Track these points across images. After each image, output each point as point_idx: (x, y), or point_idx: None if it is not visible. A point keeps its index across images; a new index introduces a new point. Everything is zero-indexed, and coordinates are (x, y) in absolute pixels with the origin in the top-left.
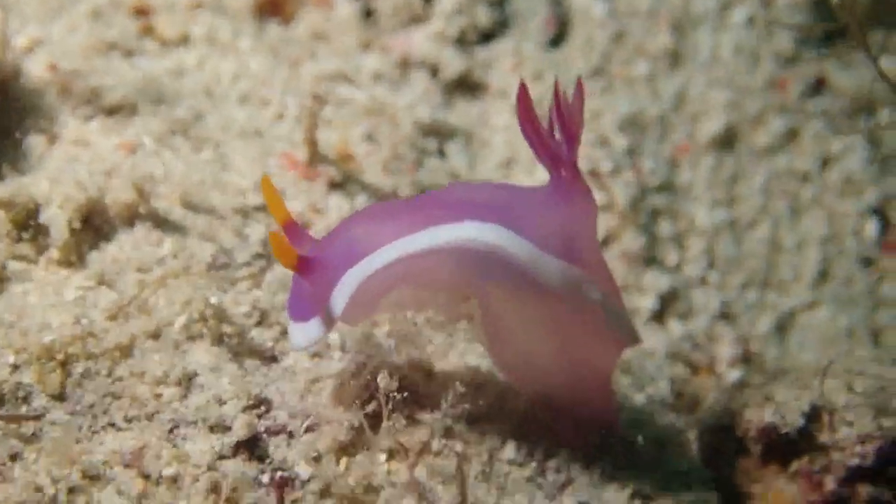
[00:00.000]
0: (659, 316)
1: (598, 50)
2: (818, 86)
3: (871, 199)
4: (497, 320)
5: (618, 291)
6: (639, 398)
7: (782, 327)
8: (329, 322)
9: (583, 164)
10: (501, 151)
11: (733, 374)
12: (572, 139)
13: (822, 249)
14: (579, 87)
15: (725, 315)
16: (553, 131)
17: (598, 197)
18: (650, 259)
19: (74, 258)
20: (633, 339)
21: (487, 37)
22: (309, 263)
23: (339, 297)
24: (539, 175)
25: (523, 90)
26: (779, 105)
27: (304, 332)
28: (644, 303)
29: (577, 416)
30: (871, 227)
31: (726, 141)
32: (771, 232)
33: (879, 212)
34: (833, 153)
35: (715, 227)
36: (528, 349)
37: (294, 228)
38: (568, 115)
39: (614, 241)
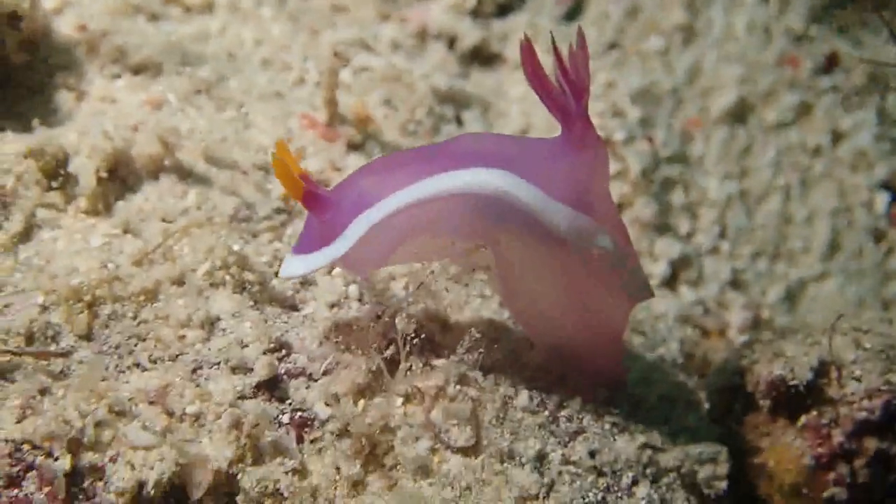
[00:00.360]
0: (670, 282)
1: (612, 24)
2: (830, 62)
3: (882, 173)
4: (509, 268)
5: (630, 243)
6: (650, 357)
7: (792, 296)
8: (326, 259)
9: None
10: (518, 120)
11: (744, 339)
12: (580, 90)
13: (831, 222)
14: (581, 38)
15: (736, 283)
16: (562, 87)
17: (612, 165)
18: (662, 227)
19: (101, 207)
20: (645, 292)
21: (504, 9)
22: (317, 198)
23: (346, 240)
24: None
25: (528, 46)
26: (790, 81)
27: (298, 262)
28: (656, 269)
29: (587, 369)
30: (881, 201)
31: (738, 115)
32: (781, 204)
33: (889, 186)
34: (844, 129)
35: (726, 199)
36: (540, 299)
37: (307, 180)
38: (573, 67)
39: (627, 208)
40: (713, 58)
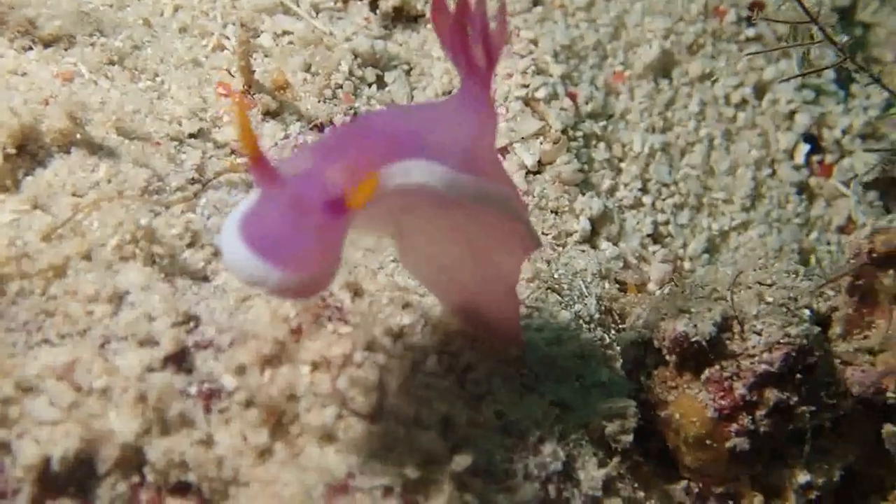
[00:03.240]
0: (590, 238)
1: None
2: (753, 9)
3: (804, 122)
4: (410, 237)
5: (518, 195)
6: (565, 315)
7: (714, 247)
8: None
9: (518, 92)
10: (441, 81)
11: (660, 293)
12: (493, 56)
13: (754, 172)
14: (502, 6)
15: (657, 236)
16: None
17: (533, 123)
18: (584, 183)
19: (10, 183)
20: (537, 241)
21: None
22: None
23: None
24: None
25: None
26: (714, 31)
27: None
28: (576, 225)
29: (492, 326)
30: (803, 151)
31: (662, 68)
32: (705, 156)
33: (811, 136)
34: (767, 79)
35: (649, 152)
36: (442, 261)
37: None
38: (492, 31)
39: (547, 166)
40: (638, 10)
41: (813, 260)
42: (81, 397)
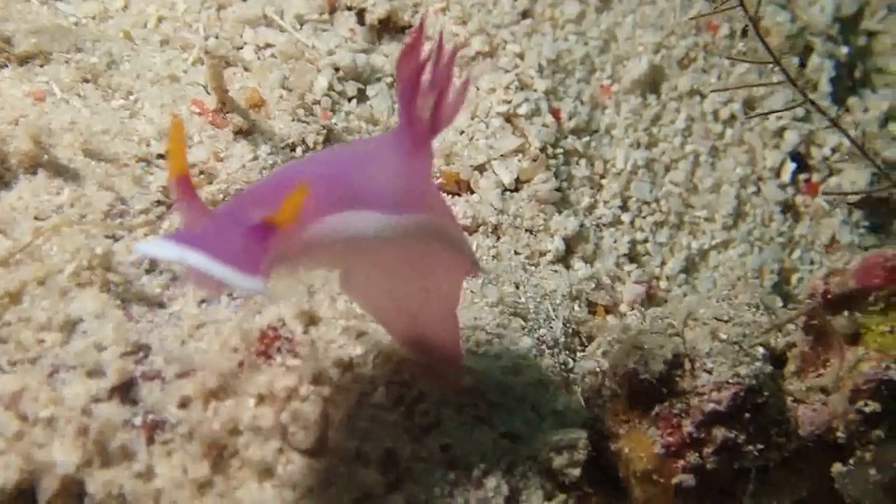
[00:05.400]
0: (565, 257)
1: None
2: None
3: (793, 140)
4: (352, 274)
5: (456, 221)
6: (525, 342)
7: (692, 267)
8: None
9: (499, 108)
10: None
11: (633, 315)
12: (438, 123)
13: (738, 190)
14: (466, 81)
15: (634, 256)
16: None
17: (513, 140)
18: (562, 201)
19: None
20: (475, 266)
21: None
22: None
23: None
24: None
25: (409, 49)
26: (705, 46)
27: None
28: (550, 245)
29: (431, 350)
30: (789, 169)
31: (650, 83)
32: (688, 173)
33: (798, 154)
34: (756, 94)
35: (632, 169)
36: (384, 292)
37: (187, 182)
38: (448, 99)
39: (524, 185)
40: (630, 23)
41: (794, 279)
42: (27, 427)
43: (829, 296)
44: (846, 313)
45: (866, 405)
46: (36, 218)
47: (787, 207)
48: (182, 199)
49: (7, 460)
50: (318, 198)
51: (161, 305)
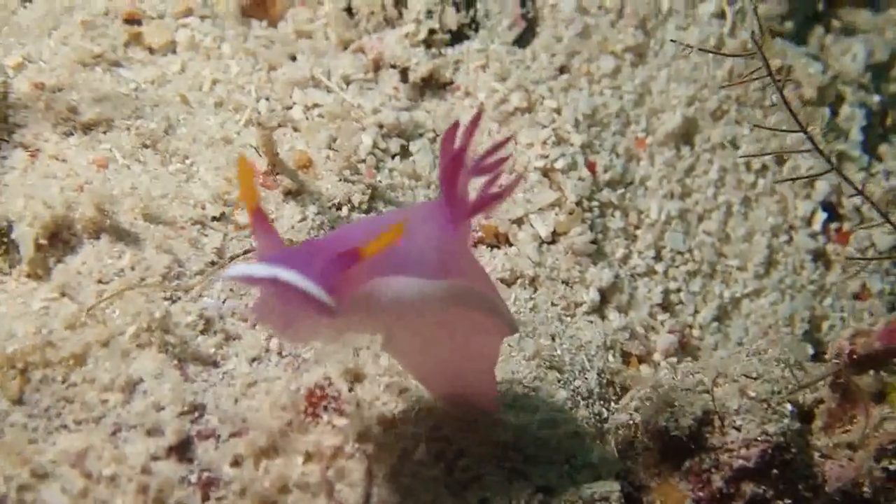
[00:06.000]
0: (600, 308)
1: (563, 47)
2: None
3: (824, 190)
4: (393, 331)
5: (493, 286)
6: (561, 395)
7: (724, 315)
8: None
9: (537, 163)
10: None
11: (665, 368)
12: (479, 208)
13: (770, 239)
14: (515, 180)
15: (667, 305)
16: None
17: (549, 194)
18: (598, 253)
19: (41, 272)
20: (512, 328)
21: (459, 37)
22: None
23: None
24: None
25: (452, 130)
26: (738, 98)
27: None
28: (585, 296)
29: (469, 403)
30: (820, 219)
31: (684, 135)
32: (721, 223)
33: (829, 203)
34: (789, 144)
35: (666, 220)
36: (423, 348)
37: (262, 215)
38: (494, 189)
39: (561, 237)
40: (664, 77)
41: (825, 326)
42: (91, 484)
43: (855, 356)
44: (871, 373)
45: (891, 463)
46: (99, 281)
47: (818, 256)
48: (259, 231)
49: None
50: (371, 261)
51: (215, 364)
